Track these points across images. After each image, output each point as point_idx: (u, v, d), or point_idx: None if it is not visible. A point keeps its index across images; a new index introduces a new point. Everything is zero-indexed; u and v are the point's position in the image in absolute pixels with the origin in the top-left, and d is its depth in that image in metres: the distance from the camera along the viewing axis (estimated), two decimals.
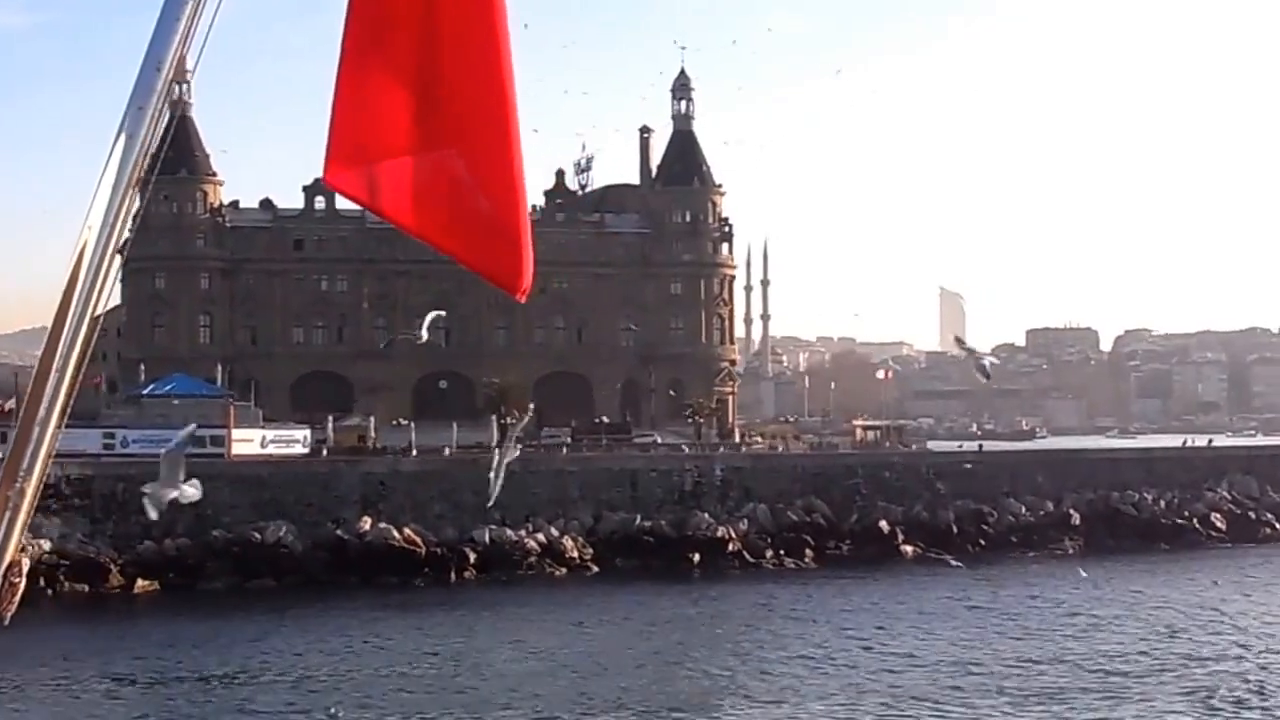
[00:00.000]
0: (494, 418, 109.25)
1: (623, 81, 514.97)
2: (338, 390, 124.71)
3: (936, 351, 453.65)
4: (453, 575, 58.37)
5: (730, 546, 63.60)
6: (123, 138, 3.50)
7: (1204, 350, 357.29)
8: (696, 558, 62.85)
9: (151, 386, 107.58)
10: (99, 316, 3.53)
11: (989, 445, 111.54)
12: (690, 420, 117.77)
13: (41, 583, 55.29)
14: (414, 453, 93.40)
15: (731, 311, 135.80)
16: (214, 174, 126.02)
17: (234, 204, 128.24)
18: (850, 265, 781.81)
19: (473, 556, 58.84)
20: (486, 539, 59.36)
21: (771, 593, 55.59)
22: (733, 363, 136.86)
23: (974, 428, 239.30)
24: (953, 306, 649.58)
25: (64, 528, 57.64)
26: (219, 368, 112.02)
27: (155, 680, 39.38)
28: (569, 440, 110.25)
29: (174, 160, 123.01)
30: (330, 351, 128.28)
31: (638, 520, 63.87)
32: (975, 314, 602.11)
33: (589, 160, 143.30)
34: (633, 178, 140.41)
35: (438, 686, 38.07)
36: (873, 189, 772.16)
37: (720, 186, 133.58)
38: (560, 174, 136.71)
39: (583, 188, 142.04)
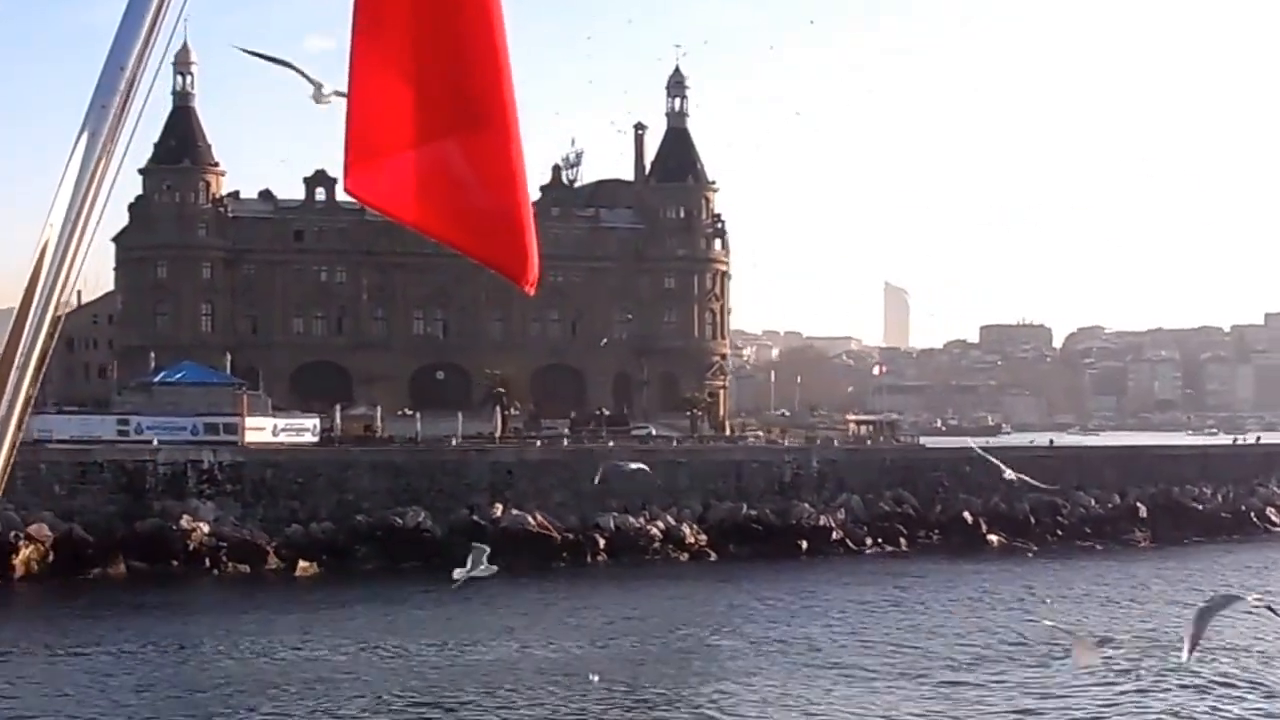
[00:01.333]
0: (497, 409, 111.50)
1: (617, 78, 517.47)
2: (336, 380, 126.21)
3: (889, 347, 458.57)
4: (588, 558, 61.18)
5: (834, 534, 66.97)
6: (85, 135, 3.50)
7: (1158, 348, 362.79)
8: (804, 544, 66.09)
9: (163, 374, 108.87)
10: (59, 317, 3.50)
11: (952, 441, 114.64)
12: (690, 414, 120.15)
13: (207, 563, 58.03)
14: (420, 442, 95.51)
15: (723, 306, 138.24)
16: (216, 164, 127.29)
17: (234, 194, 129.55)
18: (795, 260, 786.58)
19: (602, 542, 61.57)
20: (612, 525, 62.19)
21: (882, 576, 59.03)
22: (724, 356, 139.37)
23: (938, 423, 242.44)
24: (898, 302, 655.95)
25: (218, 511, 60.24)
26: (228, 357, 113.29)
27: (350, 651, 41.46)
28: (567, 432, 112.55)
29: (177, 150, 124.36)
30: (329, 342, 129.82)
31: (744, 509, 66.89)
32: (921, 310, 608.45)
33: (578, 155, 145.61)
34: (621, 173, 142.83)
35: (637, 656, 40.88)
36: (819, 184, 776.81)
37: (714, 183, 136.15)
38: (557, 169, 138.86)
39: (571, 182, 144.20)
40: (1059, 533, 71.13)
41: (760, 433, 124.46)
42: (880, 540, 68.17)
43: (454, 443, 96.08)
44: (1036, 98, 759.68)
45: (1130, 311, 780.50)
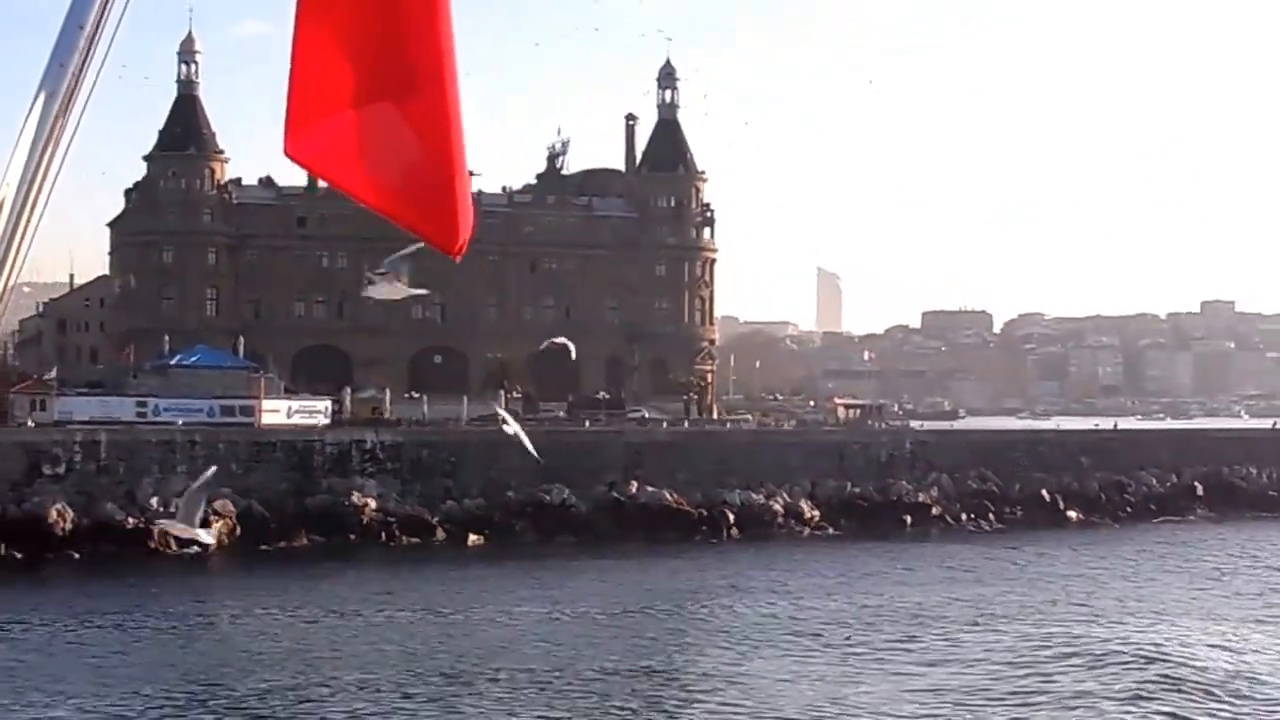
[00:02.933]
0: (501, 391, 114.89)
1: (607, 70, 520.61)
2: (337, 363, 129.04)
3: (833, 332, 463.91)
4: (723, 533, 65.46)
5: (933, 510, 71.96)
6: (42, 95, 3.45)
7: (1098, 335, 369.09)
8: (908, 520, 70.86)
9: (178, 357, 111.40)
10: (11, 286, 3.53)
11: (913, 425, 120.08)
12: (686, 398, 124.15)
13: (382, 536, 62.23)
14: (427, 423, 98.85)
15: (712, 293, 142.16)
16: (221, 151, 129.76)
17: (236, 181, 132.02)
18: (726, 245, 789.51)
19: (731, 517, 65.86)
20: (738, 501, 66.32)
21: (999, 548, 64.54)
22: (712, 342, 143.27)
23: (895, 408, 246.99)
24: (830, 287, 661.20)
25: (380, 488, 64.18)
26: (240, 340, 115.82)
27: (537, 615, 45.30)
28: (564, 415, 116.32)
29: (182, 137, 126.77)
30: (330, 326, 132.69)
31: (849, 487, 71.44)
32: (853, 295, 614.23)
33: (565, 144, 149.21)
34: (609, 162, 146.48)
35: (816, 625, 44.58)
36: (757, 168, 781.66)
37: (703, 173, 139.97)
38: (552, 158, 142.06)
39: (558, 170, 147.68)
40: (1128, 509, 76.61)
41: (749, 416, 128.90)
42: (971, 516, 73.24)
43: (464, 424, 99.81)
44: (977, 89, 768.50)
45: (1068, 298, 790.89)
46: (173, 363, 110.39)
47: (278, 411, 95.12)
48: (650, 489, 66.28)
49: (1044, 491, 75.50)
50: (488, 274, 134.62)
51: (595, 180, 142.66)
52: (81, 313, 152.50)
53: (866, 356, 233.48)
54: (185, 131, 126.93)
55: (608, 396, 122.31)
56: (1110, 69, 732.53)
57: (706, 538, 65.11)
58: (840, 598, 49.05)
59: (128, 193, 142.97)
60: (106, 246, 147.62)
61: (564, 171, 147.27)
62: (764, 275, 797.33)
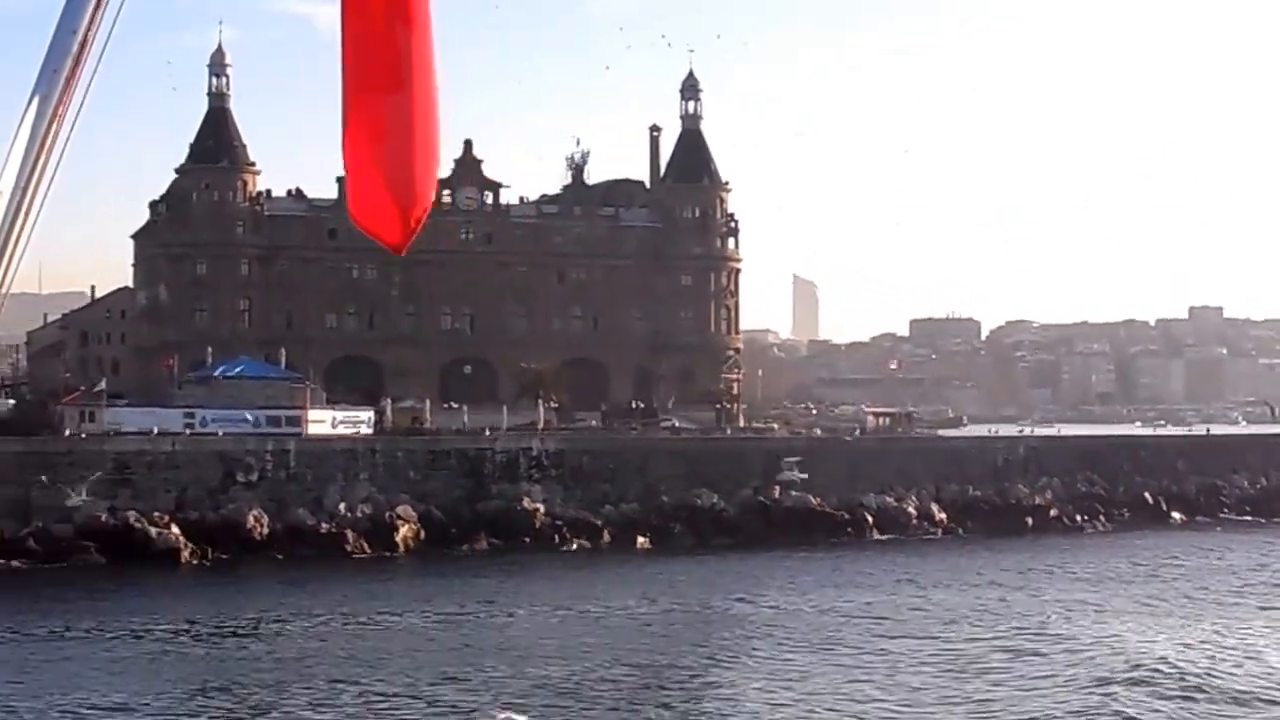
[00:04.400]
0: (539, 401, 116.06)
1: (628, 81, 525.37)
2: (368, 374, 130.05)
3: (818, 340, 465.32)
4: (866, 534, 67.33)
5: (1051, 512, 74.14)
6: (36, 100, 3.48)
7: (1088, 342, 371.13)
8: (1029, 521, 73.30)
9: (222, 368, 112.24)
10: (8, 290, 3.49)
11: (977, 431, 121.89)
12: (718, 406, 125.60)
13: (555, 539, 65.22)
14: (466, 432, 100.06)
15: (737, 303, 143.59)
16: (252, 164, 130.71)
17: (267, 193, 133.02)
18: None
19: (870, 519, 67.58)
20: (874, 505, 68.15)
21: (1136, 549, 67.48)
22: (737, 350, 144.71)
23: (834, 412, 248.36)
24: (806, 295, 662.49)
25: (545, 493, 67.17)
26: (282, 351, 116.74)
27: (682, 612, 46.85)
28: (598, 423, 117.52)
29: (214, 150, 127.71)
30: (361, 336, 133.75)
31: (969, 490, 73.71)
32: (830, 303, 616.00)
33: (585, 155, 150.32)
34: (629, 173, 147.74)
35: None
36: (738, 174, 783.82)
37: (727, 184, 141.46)
38: (579, 170, 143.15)
39: (584, 182, 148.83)
40: (1225, 511, 79.28)
41: (775, 425, 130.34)
42: (1085, 517, 75.81)
43: (502, 431, 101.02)
44: (957, 96, 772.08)
45: (1053, 305, 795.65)
46: (216, 374, 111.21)
47: (323, 421, 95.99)
48: (794, 493, 67.98)
49: (1146, 494, 78.30)
50: (516, 284, 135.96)
51: (618, 191, 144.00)
52: (102, 324, 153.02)
53: (894, 365, 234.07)
54: (217, 144, 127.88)
55: (642, 406, 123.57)
56: (1093, 78, 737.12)
57: (852, 539, 67.46)
58: (1028, 591, 52.41)
59: (153, 205, 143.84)
60: (130, 258, 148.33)
61: (588, 182, 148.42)
62: (743, 284, 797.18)
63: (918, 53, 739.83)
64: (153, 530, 59.39)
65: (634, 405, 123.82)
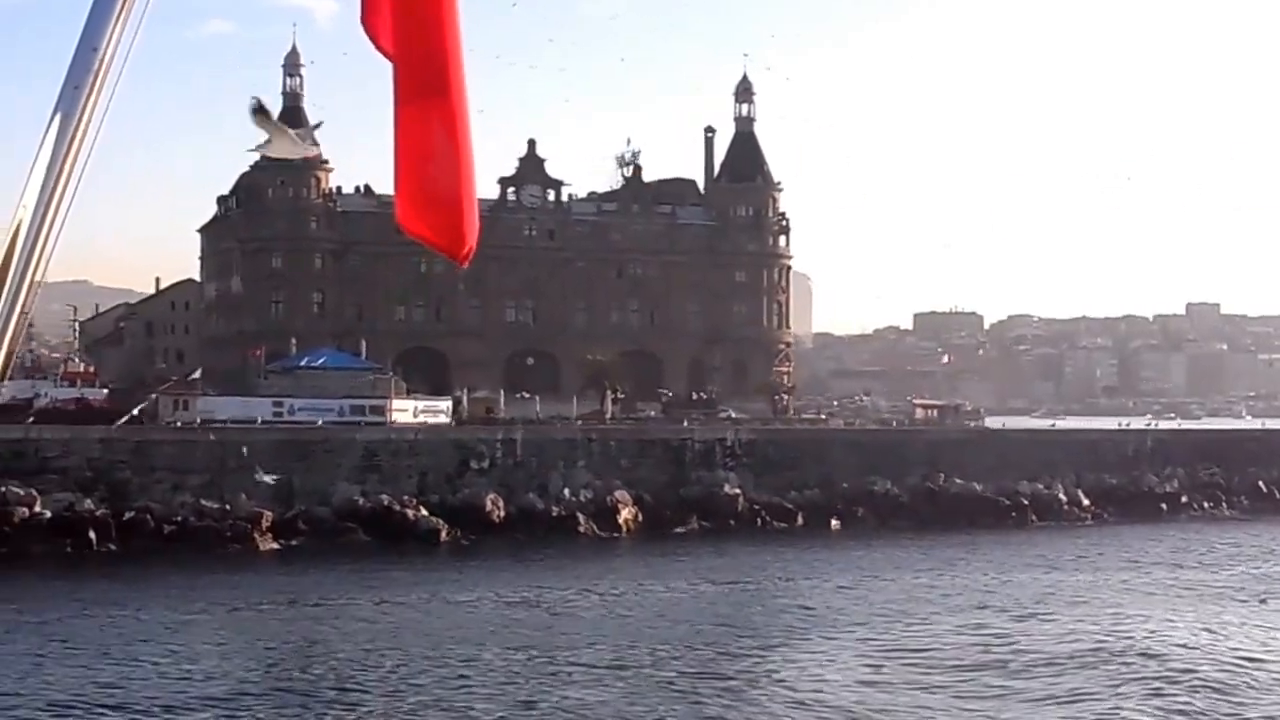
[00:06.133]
0: (607, 393, 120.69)
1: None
2: (434, 365, 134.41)
3: (823, 333, 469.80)
4: (1028, 520, 73.53)
5: (1183, 499, 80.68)
6: (58, 117, 3.49)
7: (1090, 336, 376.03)
8: (1164, 507, 79.27)
9: (306, 359, 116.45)
10: (27, 311, 3.55)
11: (1023, 423, 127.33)
12: (776, 398, 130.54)
13: (758, 522, 70.29)
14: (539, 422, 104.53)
15: (788, 298, 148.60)
16: (325, 161, 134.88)
17: (337, 189, 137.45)
18: None
19: (1008, 505, 74.46)
20: (1028, 491, 74.52)
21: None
22: (789, 344, 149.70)
23: (876, 406, 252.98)
24: (801, 288, 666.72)
25: (739, 480, 71.90)
26: (362, 342, 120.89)
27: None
28: (660, 414, 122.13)
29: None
30: (429, 329, 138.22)
31: (1105, 479, 79.72)
32: (821, 297, 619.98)
33: (635, 154, 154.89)
34: (678, 172, 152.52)
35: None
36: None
37: (779, 184, 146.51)
38: (638, 169, 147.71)
39: (626, 180, 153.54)
40: None
41: (822, 415, 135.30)
42: (1211, 504, 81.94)
43: (577, 423, 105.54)
44: (961, 89, 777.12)
45: (1052, 299, 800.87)
46: (301, 364, 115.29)
47: (406, 411, 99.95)
48: (959, 480, 73.59)
49: (1260, 483, 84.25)
50: (577, 279, 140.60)
51: (669, 189, 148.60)
52: (167, 315, 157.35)
53: (945, 360, 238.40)
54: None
55: (704, 396, 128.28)
56: (1093, 75, 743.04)
57: (1016, 523, 72.83)
58: (1227, 569, 58.07)
59: (221, 200, 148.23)
60: (198, 251, 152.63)
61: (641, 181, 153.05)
62: None
63: (916, 46, 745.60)
64: (409, 512, 64.65)
65: (695, 396, 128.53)
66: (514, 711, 32.24)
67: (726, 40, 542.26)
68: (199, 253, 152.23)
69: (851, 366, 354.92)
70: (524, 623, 43.88)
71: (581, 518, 66.28)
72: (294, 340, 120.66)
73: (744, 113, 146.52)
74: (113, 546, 58.75)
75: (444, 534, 63.71)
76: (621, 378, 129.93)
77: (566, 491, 67.71)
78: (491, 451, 69.77)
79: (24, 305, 3.53)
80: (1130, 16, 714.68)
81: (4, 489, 59.45)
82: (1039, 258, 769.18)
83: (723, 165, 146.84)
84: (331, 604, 47.40)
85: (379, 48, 3.88)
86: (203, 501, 62.09)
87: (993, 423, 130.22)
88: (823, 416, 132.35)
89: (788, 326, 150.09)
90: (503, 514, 65.82)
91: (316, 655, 38.94)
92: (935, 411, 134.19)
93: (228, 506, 61.98)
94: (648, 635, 41.31)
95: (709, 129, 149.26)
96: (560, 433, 77.14)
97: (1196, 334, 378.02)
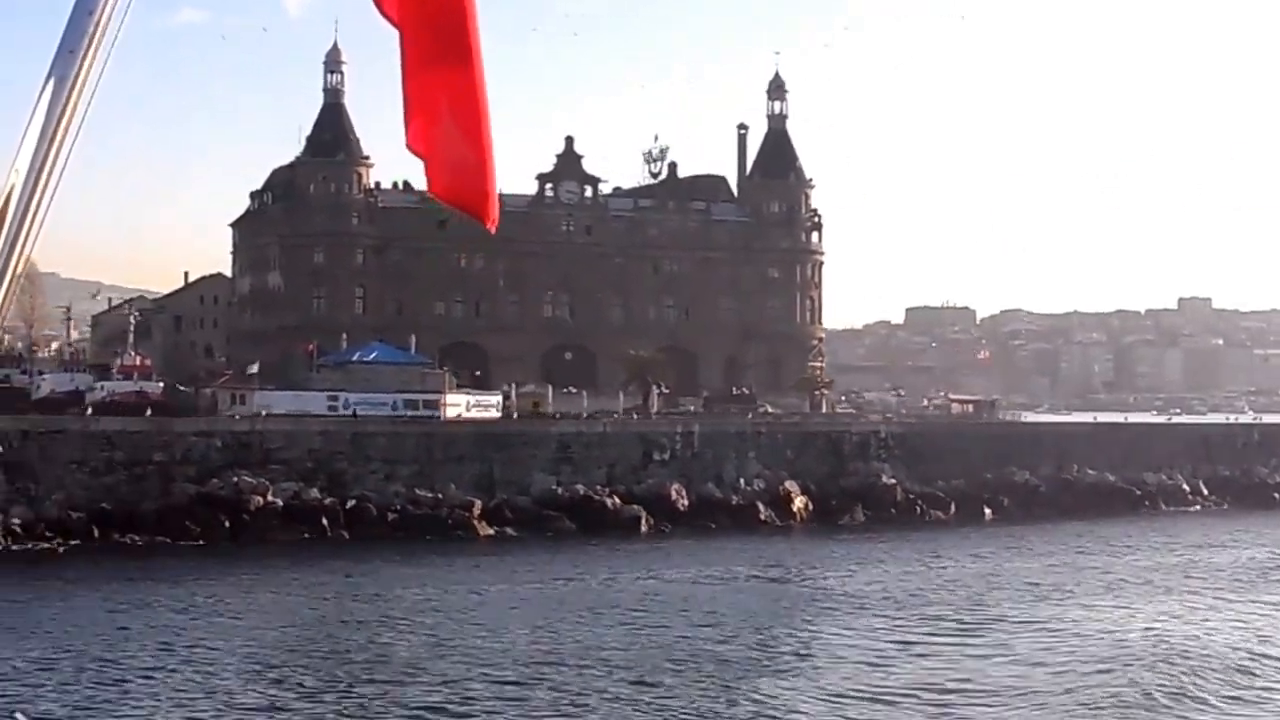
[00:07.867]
0: (650, 385, 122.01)
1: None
2: (474, 359, 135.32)
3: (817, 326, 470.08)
4: (1160, 506, 75.79)
5: None
6: (51, 81, 3.44)
7: (1084, 331, 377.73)
8: (1277, 497, 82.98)
9: (358, 354, 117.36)
10: (27, 261, 3.49)
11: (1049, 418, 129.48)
12: (815, 393, 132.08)
13: (918, 511, 73.55)
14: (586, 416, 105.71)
15: (821, 294, 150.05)
16: (366, 157, 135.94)
17: (377, 185, 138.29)
18: None
19: (1139, 493, 77.34)
20: (1152, 481, 78.78)
21: None
22: (821, 340, 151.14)
23: (925, 403, 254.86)
24: None
25: (893, 471, 75.75)
26: (412, 337, 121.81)
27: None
28: (700, 409, 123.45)
29: (331, 144, 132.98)
30: (468, 324, 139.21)
31: (1218, 469, 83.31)
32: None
33: (663, 151, 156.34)
34: (708, 168, 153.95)
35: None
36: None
37: (811, 180, 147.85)
38: (674, 166, 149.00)
39: (655, 175, 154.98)
40: None
41: (854, 410, 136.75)
42: None
43: (617, 416, 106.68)
44: (953, 85, 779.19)
45: (1044, 295, 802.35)
46: (353, 359, 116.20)
47: (458, 405, 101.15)
48: (1090, 471, 75.90)
49: None
50: (613, 275, 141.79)
51: (701, 186, 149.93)
52: (196, 309, 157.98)
53: (982, 355, 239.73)
54: (334, 138, 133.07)
55: (746, 392, 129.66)
56: (1085, 74, 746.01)
57: (1148, 511, 75.46)
58: None
59: (255, 194, 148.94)
60: (229, 245, 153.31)
61: (662, 177, 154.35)
62: None
63: (908, 45, 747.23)
64: (607, 501, 68.04)
65: (735, 391, 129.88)
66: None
67: (754, 39, 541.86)
68: (230, 247, 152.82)
69: (846, 362, 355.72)
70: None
71: (760, 506, 69.83)
72: (344, 336, 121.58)
73: (777, 110, 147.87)
74: (345, 534, 62.66)
75: (643, 521, 67.04)
76: (664, 373, 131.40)
77: (741, 481, 70.80)
78: (672, 443, 73.24)
79: (16, 272, 3.50)
80: (1118, 16, 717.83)
81: (237, 479, 63.58)
82: (1029, 253, 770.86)
83: (755, 162, 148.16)
84: (582, 581, 50.98)
85: (385, 15, 3.91)
86: (417, 490, 66.16)
87: (1028, 418, 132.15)
88: (853, 411, 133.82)
89: (819, 322, 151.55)
90: (686, 502, 69.37)
91: (607, 621, 42.80)
92: (971, 407, 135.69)
93: (439, 495, 65.71)
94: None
95: (741, 126, 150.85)
96: (732, 425, 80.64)
97: (1190, 329, 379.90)
